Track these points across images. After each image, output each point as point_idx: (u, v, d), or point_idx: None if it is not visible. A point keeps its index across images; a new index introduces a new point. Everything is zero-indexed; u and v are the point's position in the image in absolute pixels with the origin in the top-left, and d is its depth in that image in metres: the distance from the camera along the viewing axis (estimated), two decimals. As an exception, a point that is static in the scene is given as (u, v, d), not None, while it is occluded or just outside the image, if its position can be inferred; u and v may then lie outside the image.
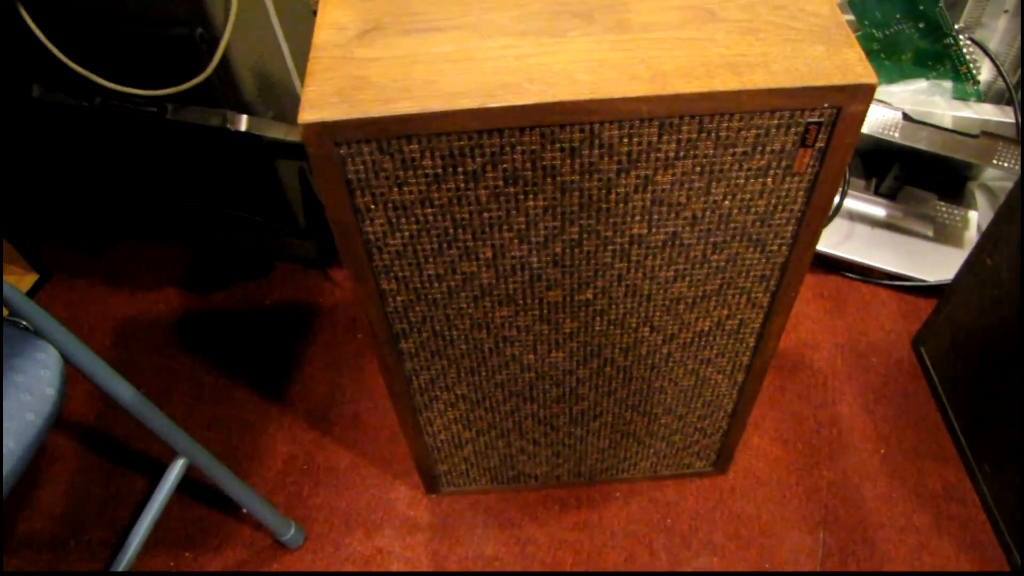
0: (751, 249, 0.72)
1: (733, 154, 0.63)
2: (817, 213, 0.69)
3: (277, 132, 1.06)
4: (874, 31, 1.34)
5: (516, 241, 0.69)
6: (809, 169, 0.65)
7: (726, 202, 0.67)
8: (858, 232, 1.32)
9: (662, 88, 0.58)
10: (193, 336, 1.30)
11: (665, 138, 0.61)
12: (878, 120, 1.24)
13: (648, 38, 0.62)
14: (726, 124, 0.61)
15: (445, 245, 0.69)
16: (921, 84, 1.34)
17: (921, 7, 1.28)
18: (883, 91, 1.34)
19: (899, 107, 1.25)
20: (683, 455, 1.05)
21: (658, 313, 0.79)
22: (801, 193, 0.67)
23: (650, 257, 0.72)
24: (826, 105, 0.60)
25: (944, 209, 1.34)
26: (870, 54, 1.36)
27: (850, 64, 0.60)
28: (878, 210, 1.33)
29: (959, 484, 1.12)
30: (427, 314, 0.76)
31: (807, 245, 0.72)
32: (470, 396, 0.88)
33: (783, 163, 0.64)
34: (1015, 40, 1.31)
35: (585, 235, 0.69)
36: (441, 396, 0.88)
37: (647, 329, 0.81)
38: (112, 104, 1.06)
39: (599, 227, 0.68)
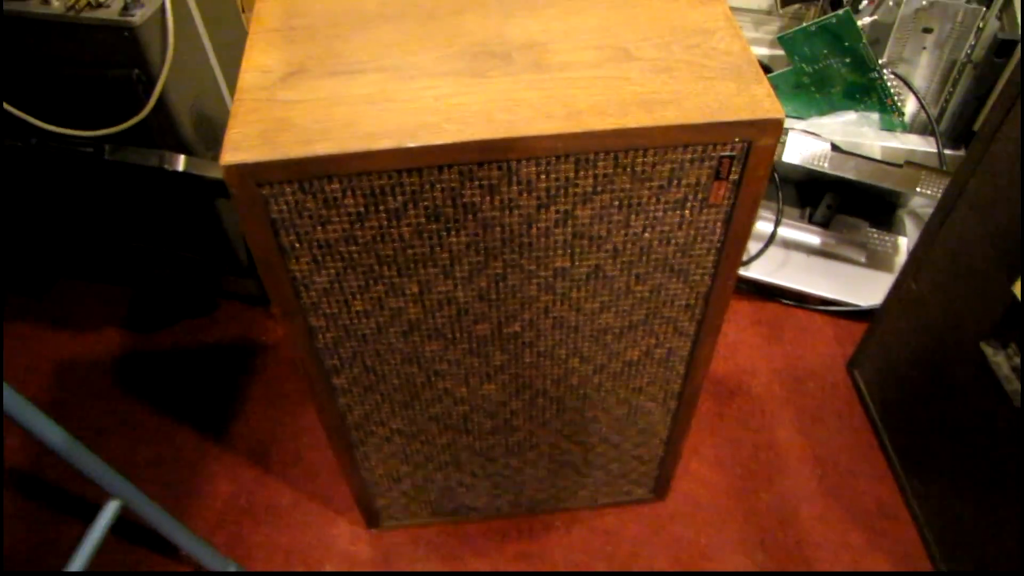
0: (674, 279, 0.74)
1: (650, 188, 0.65)
2: (735, 242, 0.70)
3: (216, 172, 1.06)
4: (804, 66, 1.38)
5: (441, 277, 0.70)
6: (725, 201, 0.67)
7: (646, 234, 0.69)
8: (794, 260, 1.35)
9: (577, 126, 0.60)
10: (134, 376, 1.29)
11: (582, 174, 0.63)
12: (809, 151, 1.27)
13: (565, 77, 0.64)
14: (641, 159, 0.62)
15: (371, 282, 0.70)
16: (850, 116, 1.38)
17: (847, 43, 1.32)
18: (814, 123, 1.38)
19: (830, 138, 1.28)
20: (621, 483, 1.06)
21: (586, 344, 0.80)
22: (719, 224, 0.69)
23: (575, 289, 0.73)
24: (737, 139, 0.62)
25: (875, 236, 1.37)
26: (801, 88, 1.40)
27: (759, 100, 0.62)
28: (812, 238, 1.36)
29: (891, 501, 1.14)
30: (357, 350, 0.77)
31: (728, 274, 0.74)
32: (405, 430, 0.89)
33: (699, 195, 0.66)
34: (935, 75, 1.36)
35: (509, 269, 0.70)
36: (376, 431, 0.89)
37: (576, 360, 0.82)
38: (49, 145, 1.05)
39: (522, 261, 0.69)
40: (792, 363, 1.28)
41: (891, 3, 1.34)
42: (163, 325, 1.36)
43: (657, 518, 1.11)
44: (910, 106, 1.41)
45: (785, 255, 1.35)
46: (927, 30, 1.34)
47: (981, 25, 1.29)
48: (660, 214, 0.67)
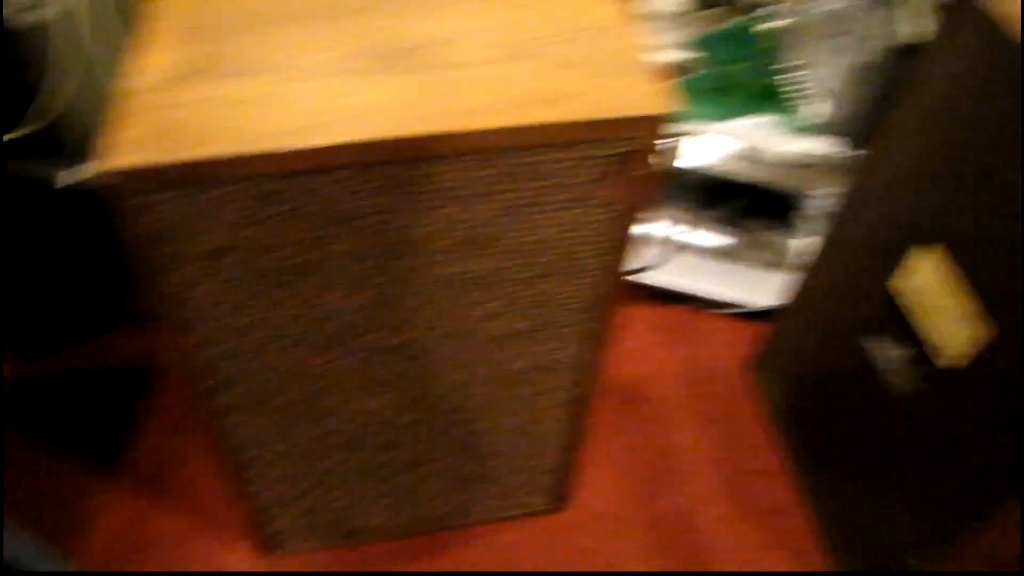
0: (562, 284, 0.73)
1: (538, 189, 0.63)
2: (623, 243, 0.70)
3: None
4: (715, 69, 1.39)
5: (323, 288, 0.67)
6: (617, 200, 0.66)
7: (536, 236, 0.67)
8: (696, 264, 1.36)
9: (466, 125, 0.58)
10: (15, 408, 1.22)
11: (470, 175, 0.61)
12: (716, 154, 1.28)
13: (458, 77, 0.62)
14: (530, 159, 0.61)
15: (254, 294, 0.66)
16: (760, 119, 1.40)
17: (756, 47, 1.34)
18: (728, 126, 1.39)
19: (739, 141, 1.30)
20: (519, 495, 1.04)
21: (475, 354, 0.78)
22: (609, 225, 0.68)
23: (461, 297, 0.71)
24: (629, 136, 0.61)
25: (779, 237, 1.39)
26: (716, 91, 1.41)
27: (650, 97, 0.61)
28: (716, 241, 1.38)
29: (787, 499, 1.15)
30: (240, 366, 0.73)
31: (618, 277, 0.73)
32: (295, 450, 0.85)
33: (591, 195, 0.65)
34: (842, 77, 1.39)
35: (393, 279, 0.68)
36: (264, 452, 0.85)
37: (465, 371, 0.80)
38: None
39: (410, 268, 0.67)
40: (694, 367, 1.29)
41: (801, 8, 1.36)
42: (50, 351, 1.28)
43: (558, 529, 1.10)
44: (820, 108, 1.43)
45: (688, 259, 1.36)
46: (835, 34, 1.37)
47: (884, 30, 1.32)
48: (548, 216, 0.66)
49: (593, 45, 0.65)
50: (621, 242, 0.69)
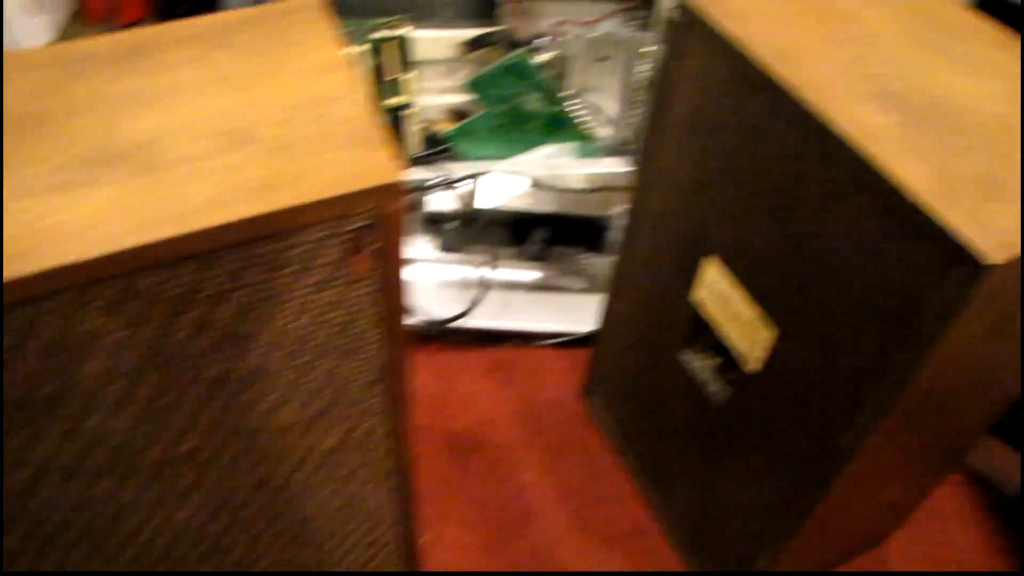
0: (344, 361, 0.70)
1: (287, 275, 0.61)
2: (396, 311, 0.68)
3: None
4: (496, 107, 1.40)
5: (81, 414, 0.63)
6: (370, 272, 0.64)
7: (299, 322, 0.65)
8: (515, 300, 1.35)
9: (189, 225, 0.55)
10: None
11: (207, 275, 0.58)
12: (507, 192, 1.28)
13: (179, 173, 0.59)
14: (266, 248, 0.58)
15: (6, 432, 0.62)
16: (549, 149, 1.41)
17: (530, 80, 1.35)
18: (516, 161, 1.39)
19: (533, 173, 1.30)
20: (366, 572, 1.01)
21: (274, 445, 0.74)
22: (372, 296, 0.66)
23: (241, 393, 0.68)
24: (364, 209, 0.59)
25: (590, 261, 1.40)
26: (499, 128, 1.41)
27: (380, 166, 0.59)
28: (530, 275, 1.38)
29: (643, 519, 1.15)
30: (13, 507, 0.68)
31: (399, 342, 0.71)
32: (105, 578, 0.80)
33: (341, 273, 0.63)
34: (619, 98, 1.42)
35: (160, 387, 0.64)
36: (70, 588, 0.79)
37: (270, 463, 0.76)
38: None
39: (173, 376, 0.63)
40: (528, 403, 1.28)
41: (566, 37, 1.38)
42: None
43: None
44: (604, 131, 1.45)
45: (506, 297, 1.35)
46: (603, 58, 1.40)
47: (646, 49, 1.35)
48: (307, 299, 0.63)
49: (318, 120, 0.62)
50: (391, 310, 0.67)
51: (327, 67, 0.68)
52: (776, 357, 0.82)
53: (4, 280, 0.52)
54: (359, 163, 0.59)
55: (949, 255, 0.61)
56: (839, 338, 0.74)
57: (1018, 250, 0.60)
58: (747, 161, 0.78)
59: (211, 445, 0.71)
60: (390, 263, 0.63)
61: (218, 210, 0.56)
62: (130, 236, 0.54)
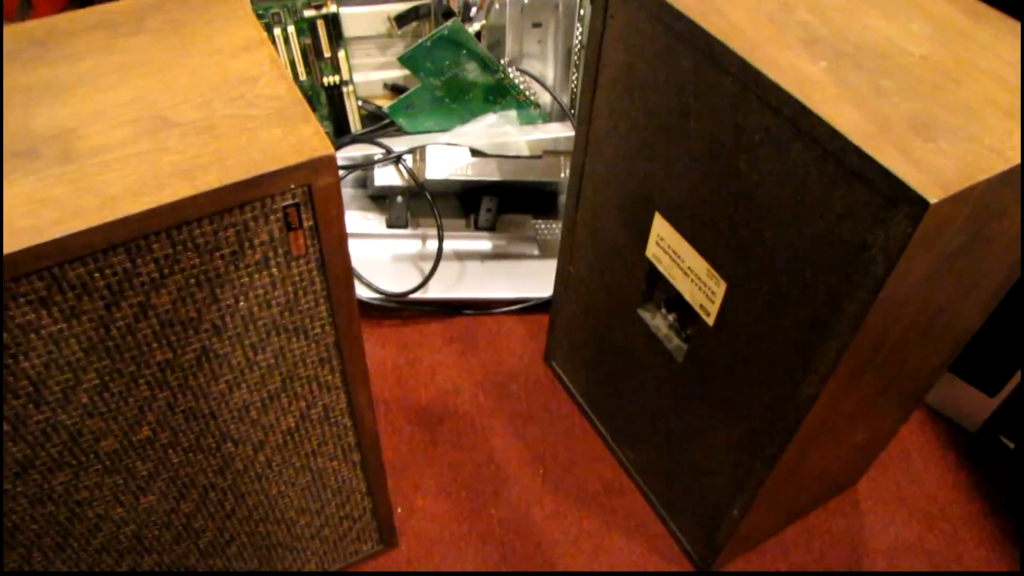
0: (294, 339, 0.70)
1: (222, 256, 0.60)
2: (341, 285, 0.68)
3: None
4: (432, 80, 1.38)
5: (31, 405, 0.62)
6: (309, 249, 0.63)
7: (241, 303, 0.64)
8: (470, 270, 1.35)
9: (111, 214, 0.55)
10: None
11: (139, 262, 0.57)
12: (450, 163, 1.27)
13: (97, 163, 0.58)
14: (198, 231, 0.58)
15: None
16: (490, 118, 1.40)
17: (465, 51, 1.34)
18: (459, 132, 1.39)
19: (476, 144, 1.29)
20: (343, 545, 1.01)
21: (232, 427, 0.74)
22: (314, 272, 0.66)
23: (190, 378, 0.68)
24: (293, 186, 0.59)
25: (543, 227, 1.40)
26: (438, 101, 1.40)
27: (306, 140, 0.59)
28: (482, 244, 1.37)
29: (615, 478, 1.16)
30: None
31: (348, 317, 0.71)
32: (75, 571, 0.80)
33: (280, 251, 0.62)
34: (556, 63, 1.41)
35: (107, 377, 0.63)
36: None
37: (230, 445, 0.76)
38: None
39: (118, 365, 0.63)
40: (492, 371, 1.28)
41: (497, 5, 1.37)
42: None
43: (394, 566, 1.08)
44: (545, 96, 1.45)
45: (461, 267, 1.35)
46: (537, 25, 1.39)
47: (582, 12, 1.34)
48: (246, 279, 0.63)
49: (239, 100, 0.62)
50: (335, 286, 0.67)
51: (245, 46, 0.67)
52: (730, 310, 0.82)
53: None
54: (284, 140, 0.59)
55: (889, 197, 0.62)
56: (789, 287, 0.74)
57: (956, 188, 0.60)
58: (683, 116, 0.78)
59: (167, 431, 0.71)
60: (328, 239, 0.63)
61: (142, 196, 0.55)
62: (53, 227, 0.54)
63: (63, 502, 0.72)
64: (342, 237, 0.64)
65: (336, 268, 0.66)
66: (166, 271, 0.59)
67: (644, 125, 0.84)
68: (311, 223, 0.62)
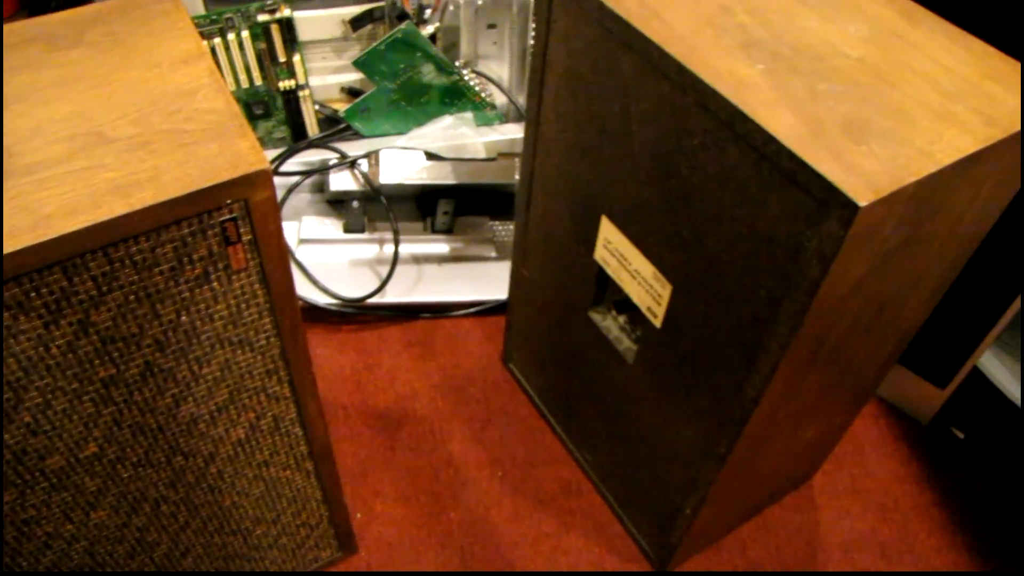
0: (239, 351, 0.70)
1: (161, 272, 0.60)
2: (283, 297, 0.68)
3: None
4: (388, 83, 1.39)
5: (-29, 427, 0.62)
6: (249, 263, 0.64)
7: (183, 318, 0.64)
8: (427, 274, 1.35)
9: (45, 233, 0.54)
10: None
11: (76, 280, 0.57)
12: (404, 167, 1.28)
13: (32, 180, 0.58)
14: (135, 248, 0.58)
15: None
16: (447, 120, 1.40)
17: (420, 53, 1.34)
18: (415, 135, 1.39)
19: (432, 146, 1.30)
20: (302, 553, 1.01)
21: (181, 440, 0.74)
22: (256, 285, 0.66)
23: (135, 393, 0.67)
24: (230, 201, 0.59)
25: (501, 228, 1.40)
26: (394, 104, 1.40)
27: (243, 155, 0.59)
28: (439, 247, 1.37)
29: (573, 479, 1.17)
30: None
31: (293, 328, 0.71)
32: (27, 588, 0.80)
33: (220, 265, 0.62)
34: (512, 64, 1.42)
35: (50, 395, 0.63)
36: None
37: (180, 458, 0.76)
38: None
39: (60, 383, 0.63)
40: (450, 374, 1.29)
41: (452, 7, 1.37)
42: None
43: (354, 573, 1.08)
44: (501, 98, 1.45)
45: (418, 270, 1.35)
46: (492, 26, 1.39)
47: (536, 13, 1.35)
48: (187, 294, 0.63)
49: (176, 115, 0.62)
50: (278, 298, 0.67)
51: (183, 59, 0.67)
52: (676, 311, 0.83)
53: None
54: (220, 155, 0.59)
55: (821, 200, 0.63)
56: (731, 288, 0.75)
57: (886, 190, 0.61)
58: (625, 120, 0.79)
59: (114, 447, 0.71)
60: (267, 252, 0.63)
61: (77, 215, 0.55)
62: (-13, 248, 0.53)
63: (9, 522, 0.72)
64: (282, 250, 0.64)
65: (277, 280, 0.66)
66: (104, 288, 0.59)
67: (589, 129, 0.85)
68: (250, 237, 0.62)
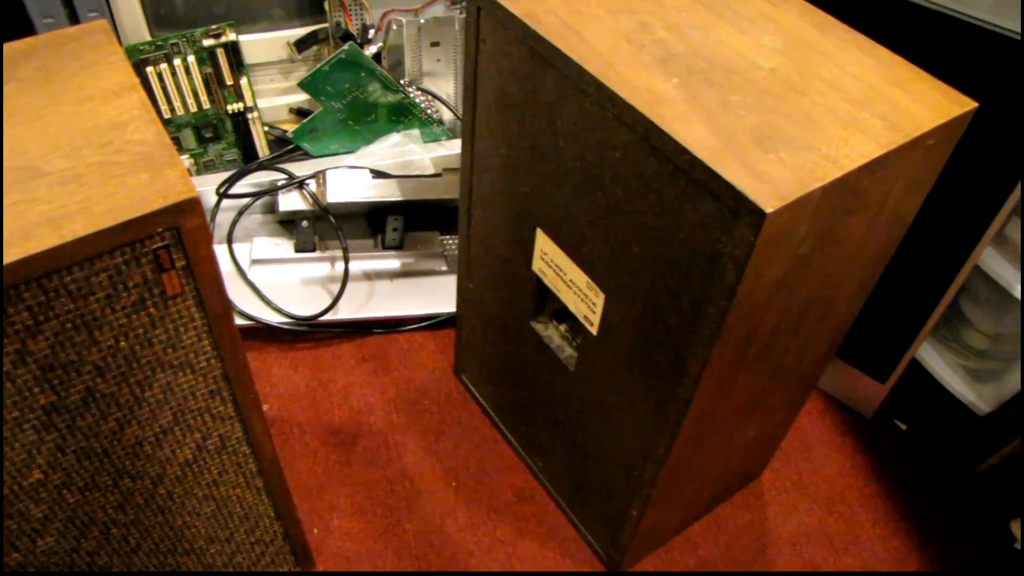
0: (181, 374, 0.72)
1: (97, 300, 0.62)
2: (221, 319, 0.70)
3: None
4: (334, 103, 1.41)
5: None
6: (184, 288, 0.65)
7: (122, 343, 0.66)
8: (379, 289, 1.37)
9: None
10: None
11: (11, 311, 0.59)
12: (352, 185, 1.30)
13: (-34, 215, 0.60)
14: (69, 278, 0.60)
15: None
16: (394, 138, 1.43)
17: (364, 72, 1.37)
18: (363, 153, 1.41)
19: (380, 163, 1.32)
20: (259, 568, 1.03)
21: (127, 463, 0.76)
22: (192, 309, 0.68)
23: (78, 419, 0.69)
24: (161, 229, 0.61)
25: (450, 242, 1.43)
26: (341, 123, 1.42)
27: (171, 184, 0.61)
28: (390, 263, 1.40)
29: (527, 486, 1.19)
30: None
31: (233, 349, 0.73)
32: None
33: (155, 291, 0.64)
34: (458, 81, 1.44)
35: (-9, 424, 0.65)
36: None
37: (127, 481, 0.78)
38: None
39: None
40: (404, 388, 1.31)
41: (394, 27, 1.40)
42: None
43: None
44: (448, 114, 1.48)
45: (370, 287, 1.37)
46: (435, 44, 1.42)
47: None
48: (124, 321, 0.65)
49: (107, 147, 0.64)
50: (215, 321, 0.69)
51: (115, 91, 0.69)
52: (610, 319, 0.86)
53: None
54: (150, 185, 0.61)
55: (732, 208, 0.66)
56: (657, 295, 0.78)
57: (793, 196, 0.64)
58: (552, 135, 0.82)
59: (59, 473, 0.73)
60: (202, 276, 0.65)
61: (10, 247, 0.57)
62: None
63: (-41, 549, 0.73)
64: (215, 274, 0.66)
65: (213, 304, 0.68)
66: (40, 318, 0.61)
67: (519, 144, 0.87)
68: (183, 263, 0.64)
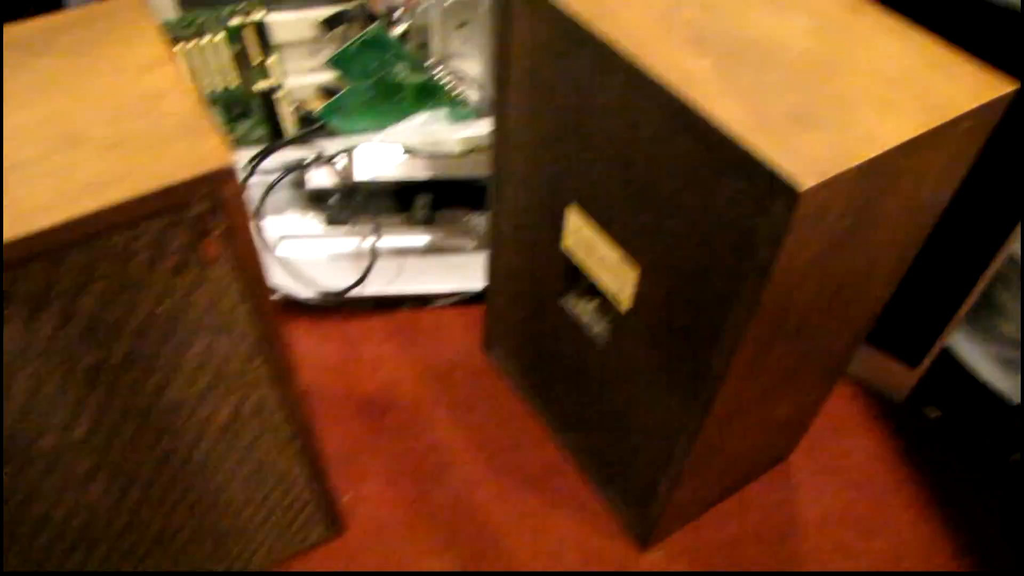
0: (218, 337, 0.74)
1: (139, 264, 0.64)
2: (256, 285, 0.71)
3: None
4: (361, 82, 1.42)
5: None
6: (223, 253, 0.67)
7: (163, 306, 0.68)
8: (408, 265, 1.39)
9: (27, 228, 0.58)
10: None
11: (59, 270, 0.61)
12: (380, 162, 1.31)
13: (15, 177, 0.62)
14: (112, 241, 0.62)
15: None
16: (422, 117, 1.44)
17: (392, 52, 1.38)
18: (390, 131, 1.42)
19: (409, 142, 1.33)
20: (291, 532, 1.05)
21: (168, 423, 0.78)
22: (231, 274, 0.69)
23: (122, 377, 0.71)
24: (200, 195, 0.62)
25: (477, 220, 1.44)
26: (369, 102, 1.44)
27: (210, 152, 0.63)
28: (419, 240, 1.41)
29: (555, 460, 1.21)
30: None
31: (269, 315, 0.75)
32: (23, 568, 0.84)
33: (194, 257, 0.66)
34: (485, 61, 1.45)
35: (37, 380, 0.67)
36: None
37: (168, 440, 0.80)
38: None
39: (46, 368, 0.67)
40: (433, 362, 1.32)
41: (422, 7, 1.41)
42: None
43: (343, 552, 1.12)
44: (473, 95, 1.49)
45: (399, 263, 1.39)
46: (462, 24, 1.43)
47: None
48: (166, 284, 0.67)
49: (147, 116, 0.66)
50: (252, 286, 0.71)
51: (152, 63, 0.71)
52: (643, 294, 0.87)
53: None
54: (189, 153, 0.62)
55: (768, 185, 0.66)
56: (692, 271, 0.78)
57: (829, 174, 0.65)
58: (584, 113, 0.82)
59: (104, 429, 0.75)
60: (239, 242, 0.67)
61: (56, 210, 0.59)
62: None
63: (8, 499, 0.76)
64: (251, 240, 0.67)
65: (249, 269, 0.70)
66: (86, 279, 0.63)
67: (551, 123, 0.88)
68: (221, 229, 0.66)
